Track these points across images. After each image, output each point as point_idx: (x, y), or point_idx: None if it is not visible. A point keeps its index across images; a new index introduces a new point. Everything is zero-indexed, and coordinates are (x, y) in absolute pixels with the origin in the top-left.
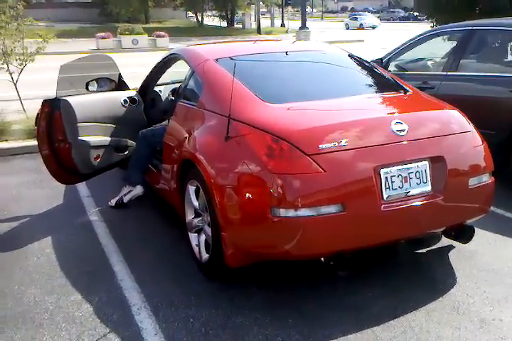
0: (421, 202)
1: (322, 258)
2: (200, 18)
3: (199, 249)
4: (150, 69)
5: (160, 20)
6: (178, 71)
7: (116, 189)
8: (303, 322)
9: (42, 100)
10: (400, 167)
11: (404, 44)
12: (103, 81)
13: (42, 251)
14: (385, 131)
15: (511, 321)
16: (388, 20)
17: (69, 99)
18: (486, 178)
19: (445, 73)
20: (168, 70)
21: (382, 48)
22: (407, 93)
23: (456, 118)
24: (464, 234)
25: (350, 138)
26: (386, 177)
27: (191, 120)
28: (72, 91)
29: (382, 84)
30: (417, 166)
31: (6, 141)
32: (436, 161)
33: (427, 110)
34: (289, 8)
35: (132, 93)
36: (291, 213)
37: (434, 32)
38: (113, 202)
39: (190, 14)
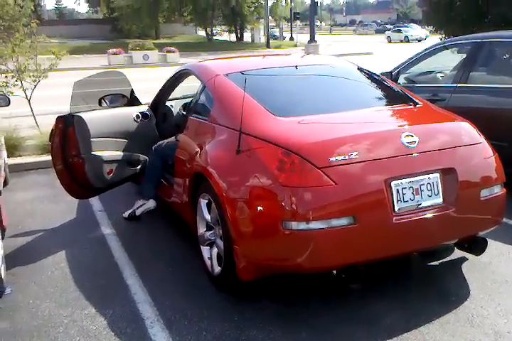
0: (432, 214)
1: (334, 271)
2: (209, 33)
3: (211, 262)
4: (162, 85)
5: (170, 36)
6: (190, 85)
7: (128, 203)
8: (315, 336)
9: (55, 116)
10: (411, 179)
11: (414, 57)
12: (116, 97)
13: (56, 265)
14: (396, 143)
15: None
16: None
17: (82, 114)
18: (498, 189)
19: (455, 85)
20: (181, 85)
21: (396, 61)
22: (417, 105)
23: (466, 130)
24: (476, 245)
25: (360, 150)
26: (397, 190)
27: (203, 134)
28: (86, 106)
29: (392, 97)
30: (428, 178)
31: (20, 156)
32: (448, 173)
33: (437, 122)
34: (298, 22)
35: (144, 108)
36: (302, 226)
37: (443, 45)
38: (126, 214)
39: (200, 29)
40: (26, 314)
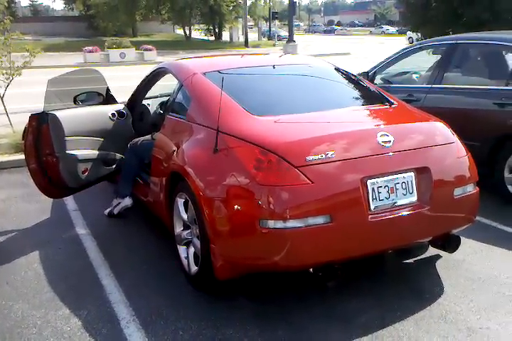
0: (407, 213)
1: (311, 269)
2: (187, 32)
3: (188, 261)
4: (138, 83)
5: (147, 34)
6: (167, 84)
7: (103, 202)
8: (292, 334)
9: (29, 114)
10: (387, 178)
11: (390, 57)
12: (91, 95)
13: (29, 266)
14: (371, 142)
15: (498, 329)
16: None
17: (57, 113)
18: (471, 188)
19: (430, 86)
20: (157, 83)
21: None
22: (393, 105)
23: (440, 130)
24: (450, 243)
25: (337, 150)
26: (373, 188)
27: (180, 133)
28: (60, 105)
29: (368, 97)
30: (403, 177)
31: None
32: (422, 172)
33: (412, 122)
34: (276, 21)
35: (120, 106)
36: (279, 224)
37: (419, 46)
38: (106, 212)
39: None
40: None
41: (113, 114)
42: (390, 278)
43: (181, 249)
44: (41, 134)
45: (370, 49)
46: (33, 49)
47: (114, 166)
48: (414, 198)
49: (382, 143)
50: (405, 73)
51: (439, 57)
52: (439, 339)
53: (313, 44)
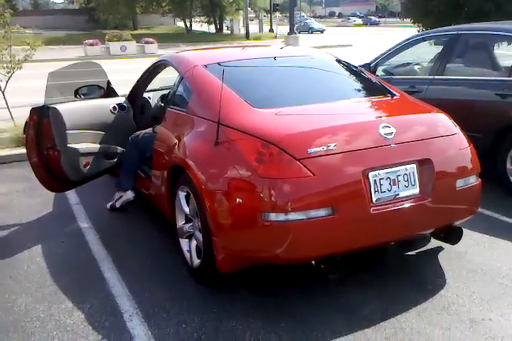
0: (409, 205)
1: (313, 262)
2: (188, 24)
3: (190, 254)
4: (139, 76)
5: (148, 27)
6: (167, 77)
7: (105, 196)
8: (295, 326)
9: (30, 108)
10: (388, 170)
11: (391, 49)
12: (92, 88)
13: (32, 260)
14: (373, 134)
15: (500, 320)
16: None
17: (58, 106)
18: (473, 180)
19: (432, 77)
20: (158, 76)
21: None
22: (394, 97)
23: (442, 121)
24: (452, 235)
25: (338, 142)
26: (375, 180)
27: (181, 126)
28: (61, 98)
29: (370, 89)
30: (405, 169)
31: None
32: (424, 164)
33: (414, 113)
34: (277, 13)
35: (121, 100)
36: (281, 217)
37: (421, 37)
38: (108, 206)
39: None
40: (2, 309)
41: (114, 107)
42: (392, 270)
43: (183, 242)
44: (42, 128)
45: (370, 41)
46: (33, 42)
47: (115, 159)
48: (416, 190)
49: (384, 135)
50: (407, 64)
51: (441, 48)
52: (442, 330)
53: (314, 36)
